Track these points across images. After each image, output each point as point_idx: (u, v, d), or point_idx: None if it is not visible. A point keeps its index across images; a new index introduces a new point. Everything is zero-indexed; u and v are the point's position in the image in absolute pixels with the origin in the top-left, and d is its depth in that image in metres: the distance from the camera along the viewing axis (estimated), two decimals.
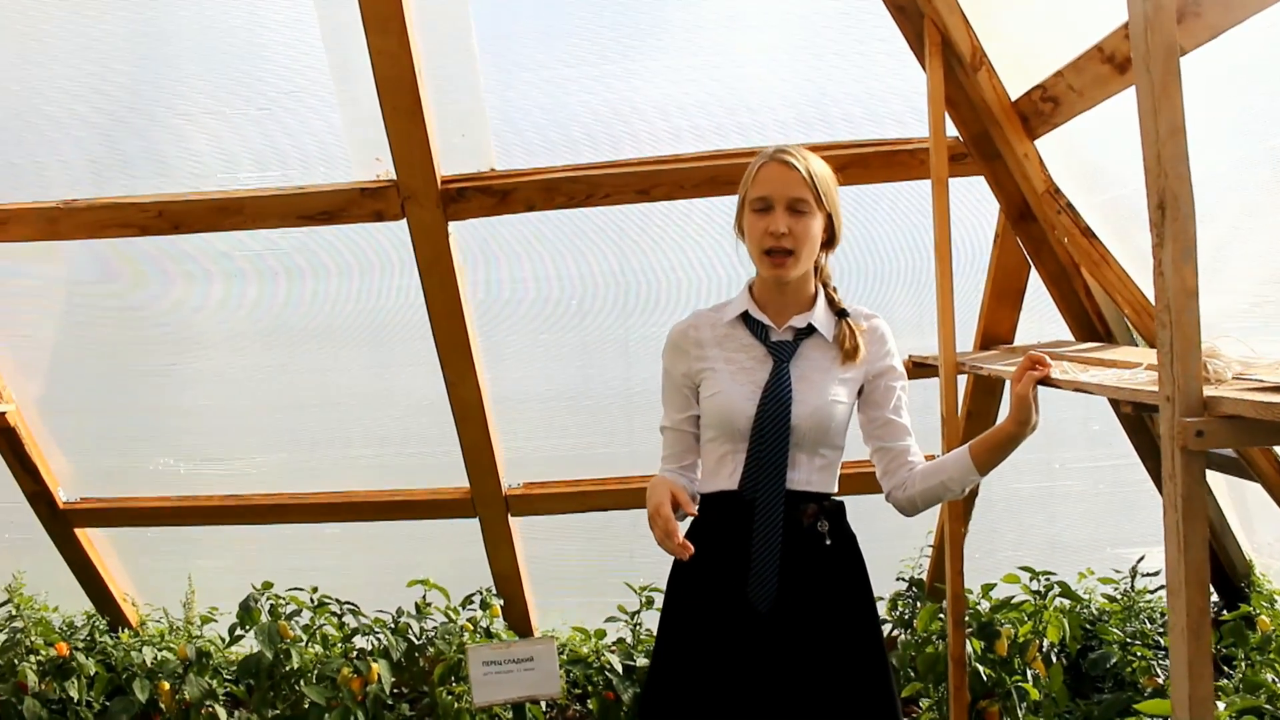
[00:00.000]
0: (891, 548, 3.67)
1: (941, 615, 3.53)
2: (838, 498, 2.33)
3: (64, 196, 3.56)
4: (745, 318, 2.33)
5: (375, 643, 3.89)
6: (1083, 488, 4.00)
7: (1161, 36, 1.63)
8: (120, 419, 4.10)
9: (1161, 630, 3.79)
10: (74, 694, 3.90)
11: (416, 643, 3.89)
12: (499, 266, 3.69)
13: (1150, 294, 1.67)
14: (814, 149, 2.35)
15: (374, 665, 3.76)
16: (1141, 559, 3.86)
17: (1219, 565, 3.83)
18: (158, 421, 4.11)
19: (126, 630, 4.22)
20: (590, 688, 3.89)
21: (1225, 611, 3.70)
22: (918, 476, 2.30)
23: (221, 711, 3.88)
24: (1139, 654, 3.57)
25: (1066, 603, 3.68)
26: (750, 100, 3.41)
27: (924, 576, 3.85)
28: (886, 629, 3.72)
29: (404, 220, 3.45)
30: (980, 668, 3.48)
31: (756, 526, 2.22)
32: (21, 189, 3.59)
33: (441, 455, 3.93)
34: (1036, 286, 3.39)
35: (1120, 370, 2.41)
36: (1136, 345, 3.27)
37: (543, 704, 3.84)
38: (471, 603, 3.97)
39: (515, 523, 4.04)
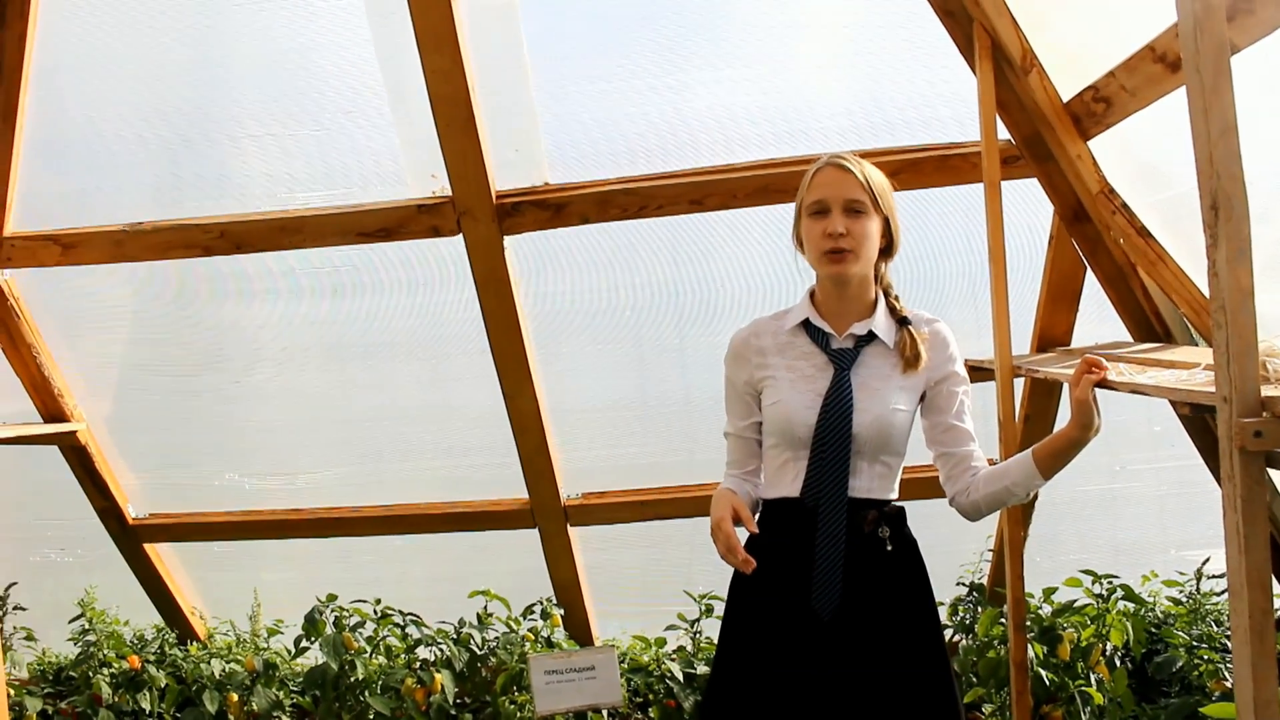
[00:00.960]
0: (951, 552, 3.67)
1: (1003, 620, 3.51)
2: (898, 503, 2.33)
3: (129, 219, 3.66)
4: (806, 325, 2.33)
5: (438, 653, 3.95)
6: (1146, 490, 3.94)
7: (1211, 36, 1.62)
8: (186, 436, 4.19)
9: (1228, 633, 3.73)
10: (146, 705, 4.00)
11: (479, 653, 3.94)
12: (554, 278, 3.71)
13: (1208, 292, 1.65)
14: (866, 155, 2.36)
15: (437, 675, 3.82)
16: (1207, 561, 3.80)
17: None
18: (223, 438, 4.19)
19: (195, 643, 4.31)
20: (651, 696, 3.91)
21: None
22: (981, 481, 2.29)
23: None
24: (1205, 657, 3.52)
25: (1130, 606, 3.63)
26: (801, 108, 3.41)
27: (984, 581, 3.83)
28: (947, 634, 3.70)
29: (460, 235, 3.50)
30: (1043, 672, 3.46)
31: (820, 535, 2.23)
32: (88, 213, 3.69)
33: (501, 467, 3.97)
34: (1094, 287, 3.36)
35: (1178, 371, 2.39)
36: (1196, 345, 3.22)
37: (604, 712, 3.87)
38: (532, 612, 4.02)
39: (574, 532, 4.07)
